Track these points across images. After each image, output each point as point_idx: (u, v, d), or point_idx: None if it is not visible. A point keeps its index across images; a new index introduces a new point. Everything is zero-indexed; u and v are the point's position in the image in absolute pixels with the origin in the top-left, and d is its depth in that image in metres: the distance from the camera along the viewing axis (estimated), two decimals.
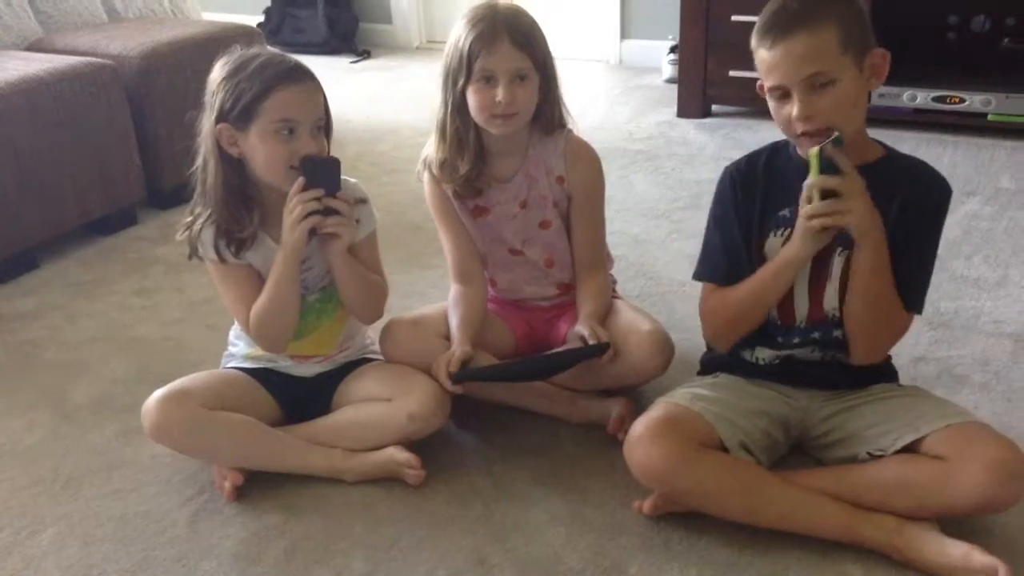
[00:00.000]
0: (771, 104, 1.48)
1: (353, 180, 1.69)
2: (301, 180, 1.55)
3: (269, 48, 1.71)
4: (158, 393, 1.62)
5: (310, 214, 1.55)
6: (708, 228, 1.63)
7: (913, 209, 1.48)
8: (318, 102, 1.59)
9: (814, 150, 1.40)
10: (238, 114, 1.54)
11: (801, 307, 1.55)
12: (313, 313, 1.72)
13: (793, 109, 1.43)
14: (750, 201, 1.56)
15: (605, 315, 1.79)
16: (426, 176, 1.82)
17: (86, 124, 2.61)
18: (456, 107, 1.71)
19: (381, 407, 1.68)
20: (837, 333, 1.55)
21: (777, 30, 1.43)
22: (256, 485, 1.67)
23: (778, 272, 1.51)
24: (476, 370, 1.71)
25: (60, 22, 3.13)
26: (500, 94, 1.65)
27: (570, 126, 1.80)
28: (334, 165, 1.58)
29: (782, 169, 1.56)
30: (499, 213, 1.81)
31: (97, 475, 1.74)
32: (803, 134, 1.45)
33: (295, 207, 1.55)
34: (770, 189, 1.56)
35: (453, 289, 1.83)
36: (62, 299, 2.42)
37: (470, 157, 1.74)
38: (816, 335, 1.56)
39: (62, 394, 2.00)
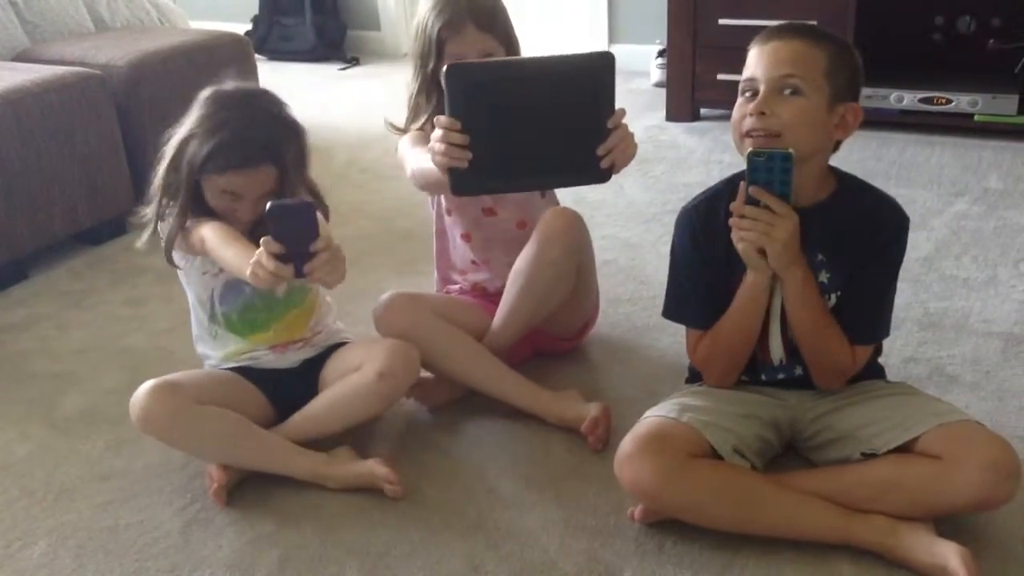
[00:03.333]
0: (737, 104, 1.48)
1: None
2: (267, 240, 1.43)
3: (248, 91, 1.70)
4: (148, 383, 1.63)
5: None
6: (675, 269, 1.62)
7: (863, 246, 1.50)
8: (266, 181, 1.63)
9: (750, 151, 1.41)
10: (198, 166, 1.62)
11: (776, 349, 1.56)
12: (281, 305, 1.76)
13: (753, 104, 1.44)
14: (716, 242, 1.53)
15: None
16: (404, 134, 1.83)
17: (74, 134, 2.60)
18: (426, 87, 1.77)
19: (351, 378, 1.71)
20: None
21: (775, 32, 1.46)
22: (248, 493, 1.66)
23: (745, 302, 1.51)
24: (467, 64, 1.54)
25: (47, 32, 3.12)
26: None
27: None
28: (303, 211, 1.45)
29: None
30: None
31: (89, 486, 1.73)
32: (749, 133, 1.44)
33: (256, 279, 1.47)
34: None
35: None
36: (52, 310, 2.41)
37: None
38: (798, 371, 1.58)
39: (53, 405, 1.99)
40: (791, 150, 1.39)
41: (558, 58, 1.49)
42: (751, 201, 1.42)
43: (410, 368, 1.72)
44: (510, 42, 1.77)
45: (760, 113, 1.43)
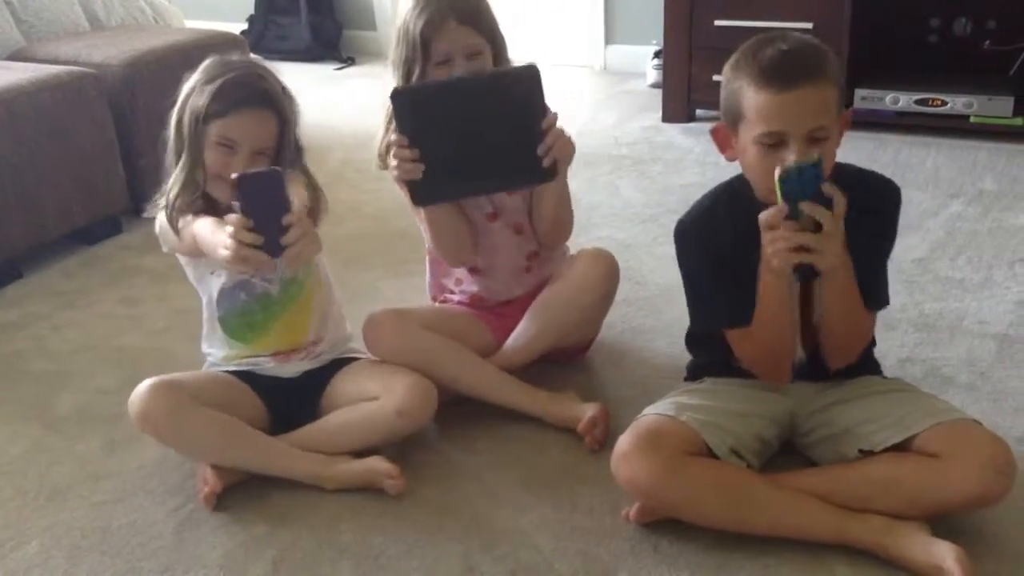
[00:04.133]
0: (756, 152, 1.43)
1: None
2: (237, 217, 1.43)
3: (252, 59, 1.71)
4: (148, 381, 1.62)
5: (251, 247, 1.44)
6: (693, 281, 1.59)
7: (867, 219, 1.48)
8: (265, 130, 1.61)
9: (780, 174, 1.36)
10: (203, 118, 1.60)
11: (798, 350, 1.57)
12: (277, 304, 1.74)
13: (789, 159, 1.39)
14: (723, 241, 1.52)
15: (557, 196, 1.81)
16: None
17: (69, 133, 2.60)
18: None
19: (369, 407, 1.69)
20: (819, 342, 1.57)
21: (787, 77, 1.39)
22: (242, 494, 1.66)
23: (773, 306, 1.48)
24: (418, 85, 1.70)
25: (42, 31, 3.11)
26: (460, 73, 1.69)
27: None
28: (272, 180, 1.44)
29: (751, 216, 1.44)
30: None
31: (82, 486, 1.72)
32: None
33: (229, 254, 1.45)
34: (743, 238, 1.47)
35: None
36: (46, 309, 2.40)
37: None
38: (802, 359, 1.59)
39: (47, 405, 1.98)
40: (817, 156, 1.36)
41: (491, 73, 1.71)
42: (792, 215, 1.37)
43: (429, 405, 1.70)
44: (495, 39, 1.76)
45: None
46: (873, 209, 1.50)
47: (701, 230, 1.57)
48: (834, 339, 1.54)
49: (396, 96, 1.62)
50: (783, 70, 1.40)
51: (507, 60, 1.80)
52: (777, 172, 1.36)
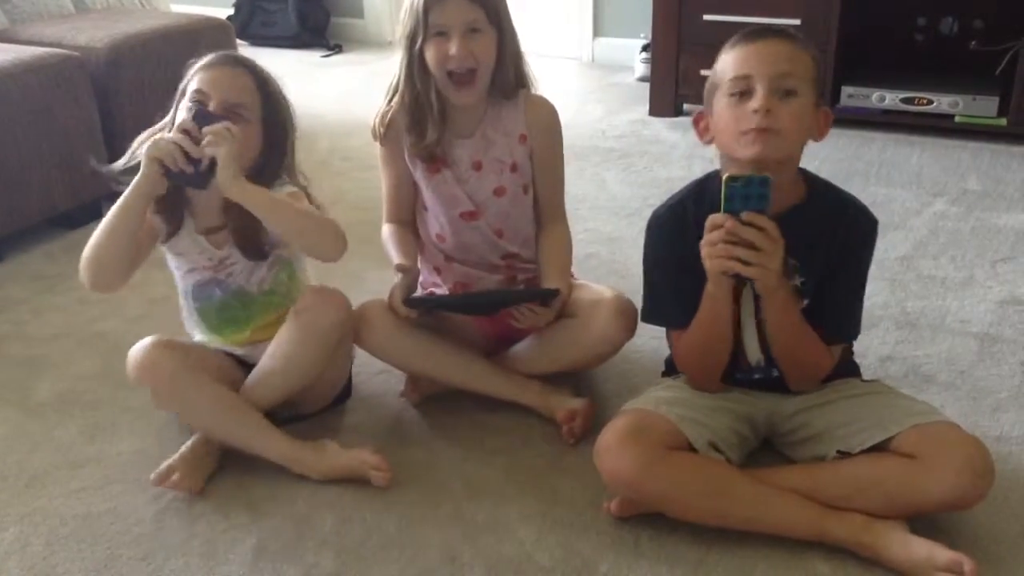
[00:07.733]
0: (723, 106, 1.45)
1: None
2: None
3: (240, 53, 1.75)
4: (152, 337, 1.64)
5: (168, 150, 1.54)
6: (649, 273, 1.61)
7: (839, 247, 1.50)
8: (237, 85, 1.64)
9: (727, 176, 1.35)
10: (180, 97, 1.65)
11: (753, 352, 1.57)
12: (258, 305, 1.75)
13: (754, 102, 1.41)
14: (687, 244, 1.50)
15: (567, 265, 1.86)
16: (382, 130, 1.82)
17: (52, 116, 2.57)
18: (415, 68, 1.73)
19: (289, 322, 1.68)
20: None
21: (759, 33, 1.46)
22: (223, 483, 1.65)
23: (707, 313, 1.49)
24: (427, 298, 1.83)
25: (26, 12, 3.08)
26: (453, 47, 1.67)
27: (532, 88, 1.83)
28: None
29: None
30: (452, 172, 1.81)
31: (61, 472, 1.71)
32: (750, 131, 1.41)
33: (152, 143, 1.55)
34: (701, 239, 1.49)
35: (386, 228, 1.88)
36: (26, 293, 2.38)
37: (434, 119, 1.75)
38: (775, 372, 1.58)
39: (26, 390, 1.97)
40: (768, 175, 1.36)
41: (511, 293, 1.85)
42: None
43: (330, 304, 1.68)
44: (499, 19, 1.71)
45: (767, 110, 1.40)
46: (845, 238, 1.51)
47: (665, 224, 1.58)
48: (783, 362, 1.55)
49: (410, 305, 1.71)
50: (756, 31, 1.46)
51: (515, 48, 1.77)
52: (724, 176, 1.36)
